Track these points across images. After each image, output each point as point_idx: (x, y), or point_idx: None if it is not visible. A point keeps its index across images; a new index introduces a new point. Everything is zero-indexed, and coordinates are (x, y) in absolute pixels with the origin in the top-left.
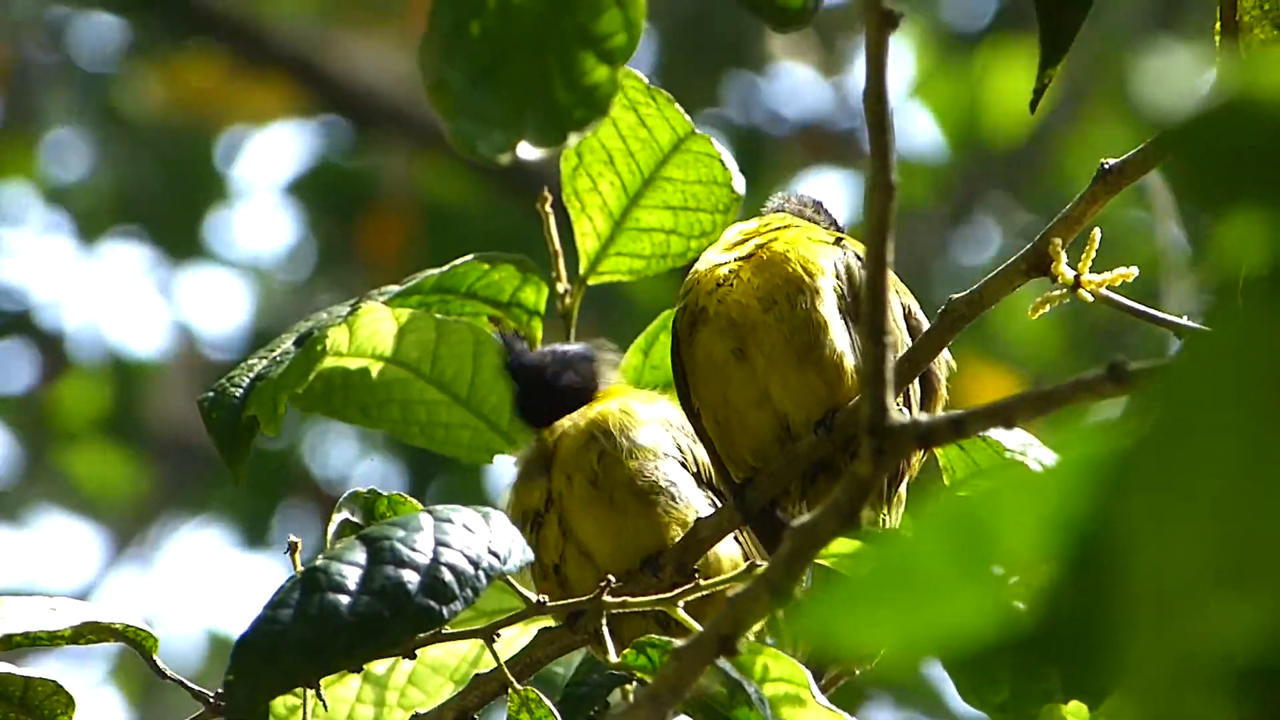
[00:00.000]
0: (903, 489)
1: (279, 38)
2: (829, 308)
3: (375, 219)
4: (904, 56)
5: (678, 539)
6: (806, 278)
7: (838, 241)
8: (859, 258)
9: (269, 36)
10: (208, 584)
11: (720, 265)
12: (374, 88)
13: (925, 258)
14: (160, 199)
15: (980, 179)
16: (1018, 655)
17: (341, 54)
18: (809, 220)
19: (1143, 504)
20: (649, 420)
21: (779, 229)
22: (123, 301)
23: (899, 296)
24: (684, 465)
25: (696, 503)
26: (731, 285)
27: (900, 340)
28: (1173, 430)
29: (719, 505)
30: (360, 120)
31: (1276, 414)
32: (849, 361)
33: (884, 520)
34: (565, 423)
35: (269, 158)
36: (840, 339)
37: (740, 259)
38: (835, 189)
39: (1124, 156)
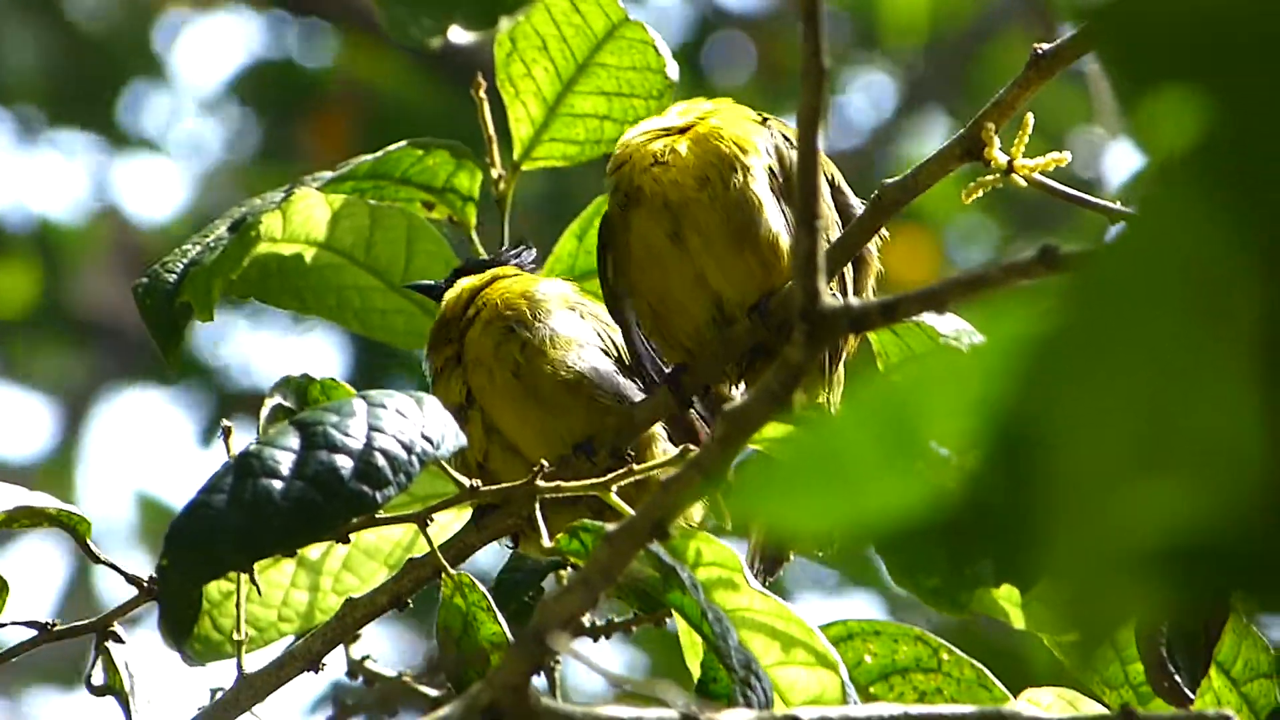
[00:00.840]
0: (840, 370)
1: None
2: (762, 186)
3: (320, 116)
4: None
5: (609, 426)
6: (740, 154)
7: (764, 121)
8: (786, 138)
9: None
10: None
11: (653, 140)
12: None
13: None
14: (97, 83)
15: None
16: (948, 539)
17: None
18: None
19: (1066, 389)
20: (562, 307)
21: (708, 111)
22: (57, 186)
23: (823, 169)
24: (605, 352)
25: (622, 391)
26: (667, 163)
27: (829, 219)
28: (1095, 315)
29: (646, 391)
30: (301, 9)
31: (1197, 299)
32: (784, 242)
33: (823, 402)
34: (464, 294)
35: (209, 46)
36: (775, 219)
37: (674, 134)
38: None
39: (1057, 41)
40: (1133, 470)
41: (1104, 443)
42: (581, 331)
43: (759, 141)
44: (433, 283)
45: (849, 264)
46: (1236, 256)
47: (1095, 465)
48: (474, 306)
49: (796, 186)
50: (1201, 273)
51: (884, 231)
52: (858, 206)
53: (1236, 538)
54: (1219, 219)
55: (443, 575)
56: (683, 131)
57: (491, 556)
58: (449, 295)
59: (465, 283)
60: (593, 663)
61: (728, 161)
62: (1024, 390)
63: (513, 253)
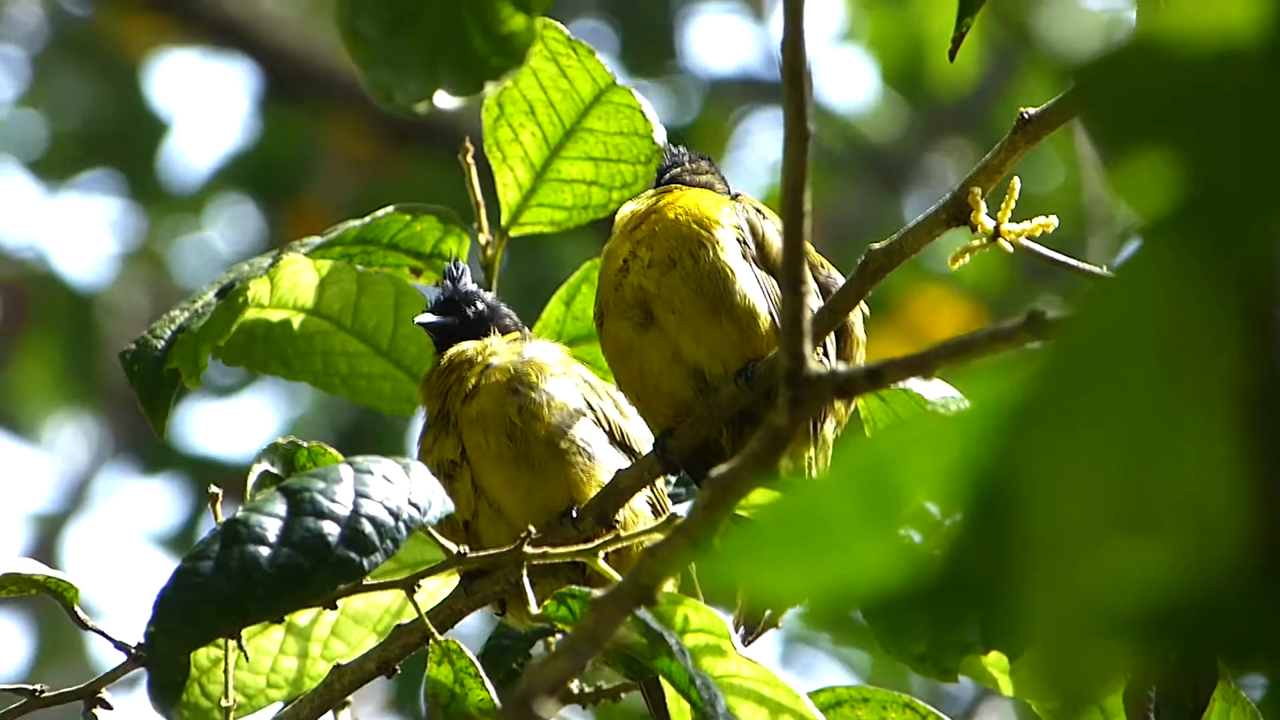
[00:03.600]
0: (829, 435)
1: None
2: (733, 256)
3: (298, 202)
4: (839, 10)
5: (594, 493)
6: (704, 233)
7: (734, 197)
8: (758, 209)
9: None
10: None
11: (616, 257)
12: (296, 50)
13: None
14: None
15: (923, 134)
16: (933, 605)
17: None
18: (702, 183)
19: (1044, 450)
20: (561, 374)
21: (667, 201)
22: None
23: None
24: (596, 423)
25: (610, 462)
26: (627, 270)
27: (812, 286)
28: (1073, 376)
29: (634, 460)
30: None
31: (1175, 359)
32: (760, 307)
33: (809, 469)
34: (468, 352)
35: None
36: (749, 285)
37: (633, 242)
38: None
39: (1044, 105)
40: (1110, 531)
41: (1082, 503)
42: (573, 398)
43: (724, 216)
44: (446, 322)
45: (831, 335)
46: (1214, 317)
47: (1073, 526)
48: (477, 365)
49: (781, 251)
50: (1179, 333)
51: (866, 309)
52: (839, 280)
53: (1215, 598)
54: (1196, 279)
55: (430, 641)
56: (641, 236)
57: (478, 623)
58: (452, 352)
59: (456, 349)
60: None
61: (694, 239)
62: (1003, 452)
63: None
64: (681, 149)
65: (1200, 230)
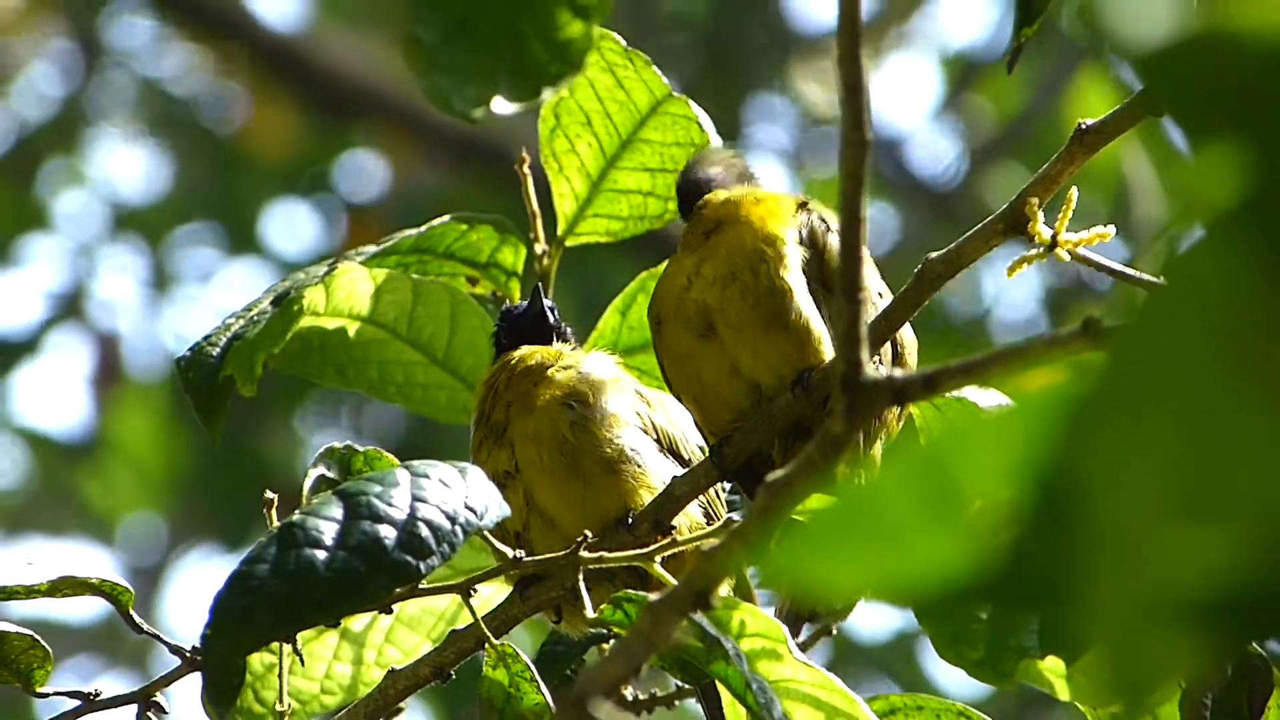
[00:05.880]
0: (878, 448)
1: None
2: (793, 273)
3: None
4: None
5: (646, 501)
6: (767, 248)
7: (803, 205)
8: (823, 219)
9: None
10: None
11: (681, 272)
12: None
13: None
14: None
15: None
16: (993, 603)
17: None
18: (750, 184)
19: (1106, 443)
20: (613, 386)
21: (734, 214)
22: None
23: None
24: (644, 432)
25: (660, 470)
26: (690, 284)
27: (870, 293)
28: (1135, 369)
29: (684, 469)
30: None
31: (1235, 353)
32: (815, 324)
33: (860, 477)
34: (528, 360)
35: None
36: (804, 302)
37: (695, 259)
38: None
39: (1102, 116)
40: (1174, 523)
41: (1145, 496)
42: (625, 410)
43: (788, 230)
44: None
45: (888, 357)
46: (1274, 311)
47: (1136, 518)
48: (529, 378)
49: (839, 258)
50: (1239, 326)
51: (913, 338)
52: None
53: (1277, 587)
54: (1261, 272)
55: (486, 645)
56: (702, 254)
57: (527, 637)
58: (522, 353)
59: (524, 351)
60: None
61: (756, 255)
62: (1065, 447)
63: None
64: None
65: (1266, 222)
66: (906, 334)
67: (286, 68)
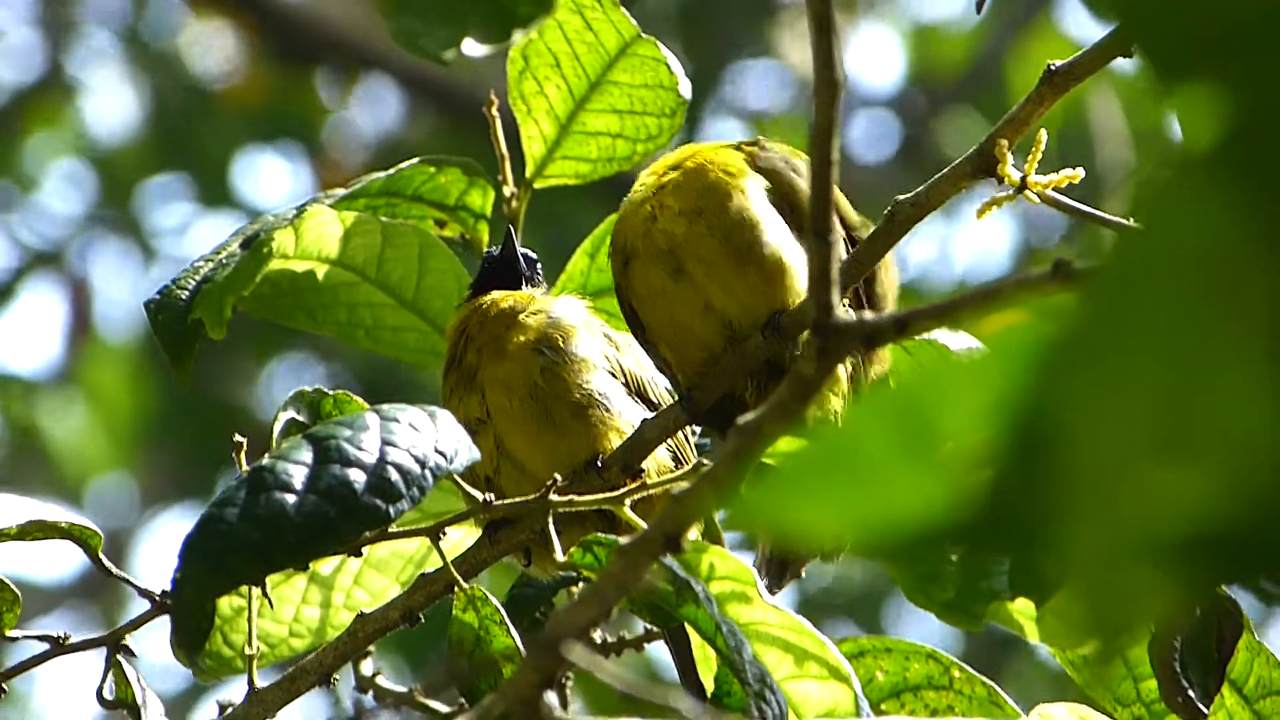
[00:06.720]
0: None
1: None
2: (759, 205)
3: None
4: None
5: (615, 444)
6: (729, 178)
7: (756, 143)
8: (785, 159)
9: None
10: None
11: (643, 203)
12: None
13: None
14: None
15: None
16: (968, 543)
17: None
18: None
19: (1083, 381)
20: (584, 329)
21: (691, 153)
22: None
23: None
24: (613, 375)
25: (629, 413)
26: (655, 217)
27: (840, 234)
28: (1112, 307)
29: (652, 413)
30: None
31: (1213, 289)
32: (786, 256)
33: (836, 419)
34: (500, 304)
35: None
36: (775, 233)
37: (660, 190)
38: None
39: (1071, 58)
40: (1151, 460)
41: (1121, 433)
42: (594, 354)
43: (749, 165)
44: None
45: (861, 283)
46: (1255, 245)
47: (1113, 456)
48: (500, 323)
49: (809, 199)
50: (1217, 263)
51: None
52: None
53: (1256, 524)
54: (1239, 209)
55: (455, 589)
56: (667, 184)
57: (494, 581)
58: (494, 297)
59: (495, 295)
60: (605, 671)
61: (720, 188)
62: (1040, 385)
63: (525, 267)
64: None
65: (1245, 160)
66: (890, 273)
67: (253, 10)
